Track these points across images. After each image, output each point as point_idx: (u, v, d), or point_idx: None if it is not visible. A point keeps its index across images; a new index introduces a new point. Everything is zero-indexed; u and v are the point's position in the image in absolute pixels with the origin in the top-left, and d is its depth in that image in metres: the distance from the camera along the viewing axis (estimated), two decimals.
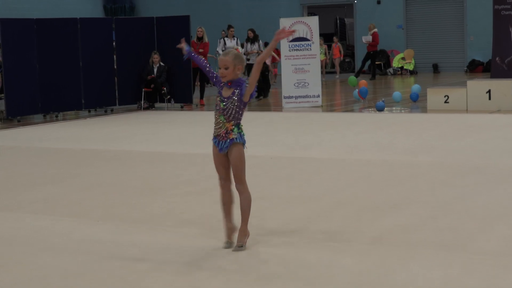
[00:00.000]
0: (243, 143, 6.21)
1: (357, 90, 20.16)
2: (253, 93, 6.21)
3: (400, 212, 7.38)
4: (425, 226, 6.82)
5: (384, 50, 32.02)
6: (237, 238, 6.22)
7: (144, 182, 9.53)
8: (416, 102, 19.02)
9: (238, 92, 6.12)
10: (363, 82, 21.18)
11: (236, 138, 6.16)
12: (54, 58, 18.70)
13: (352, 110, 18.46)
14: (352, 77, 23.11)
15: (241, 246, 6.15)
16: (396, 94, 19.37)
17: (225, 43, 24.25)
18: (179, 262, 5.93)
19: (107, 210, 7.93)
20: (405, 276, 5.39)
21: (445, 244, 6.20)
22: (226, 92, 6.17)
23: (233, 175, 6.23)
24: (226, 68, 6.14)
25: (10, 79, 17.89)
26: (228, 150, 6.16)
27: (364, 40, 29.69)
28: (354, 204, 7.80)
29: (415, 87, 20.00)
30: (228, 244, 6.23)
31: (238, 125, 6.18)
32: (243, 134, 6.22)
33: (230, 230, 6.29)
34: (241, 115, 6.19)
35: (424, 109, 17.52)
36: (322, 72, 30.61)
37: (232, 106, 6.13)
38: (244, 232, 6.21)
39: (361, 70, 30.14)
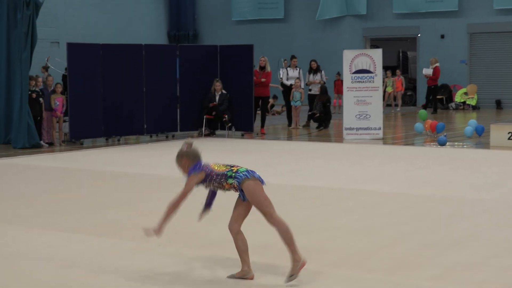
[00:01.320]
0: (247, 177, 6.22)
1: (422, 124, 20.02)
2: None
3: (463, 250, 7.31)
4: (488, 265, 6.75)
5: (446, 85, 31.77)
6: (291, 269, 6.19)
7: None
8: (474, 138, 18.80)
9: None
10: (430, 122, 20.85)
11: (237, 181, 6.22)
12: (118, 83, 18.98)
13: (413, 144, 18.34)
14: (422, 111, 22.90)
15: (292, 276, 6.12)
16: (468, 129, 19.17)
17: (287, 73, 24.35)
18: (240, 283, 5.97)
19: (169, 235, 7.99)
20: None
21: (509, 284, 6.12)
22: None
23: (260, 212, 6.26)
24: (180, 170, 6.52)
25: (75, 102, 18.19)
26: (245, 195, 6.24)
27: (424, 73, 29.51)
28: (415, 239, 7.75)
29: (471, 122, 19.84)
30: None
31: (227, 177, 6.27)
32: (240, 170, 6.25)
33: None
34: (218, 181, 6.33)
35: (486, 145, 17.33)
36: (391, 104, 30.62)
37: (214, 185, 6.37)
38: (296, 262, 6.17)
39: (427, 104, 29.84)
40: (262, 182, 6.26)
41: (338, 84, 28.24)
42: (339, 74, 24.58)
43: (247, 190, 6.18)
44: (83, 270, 6.62)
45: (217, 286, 6.08)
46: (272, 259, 6.93)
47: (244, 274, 6.22)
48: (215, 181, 6.29)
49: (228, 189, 6.31)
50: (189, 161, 6.34)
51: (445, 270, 6.56)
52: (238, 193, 6.26)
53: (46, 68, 24.13)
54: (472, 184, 11.51)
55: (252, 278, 6.21)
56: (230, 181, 6.22)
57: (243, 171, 6.22)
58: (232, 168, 6.25)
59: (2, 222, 8.85)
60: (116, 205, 9.96)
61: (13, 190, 11.39)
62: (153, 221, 8.76)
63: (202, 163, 6.34)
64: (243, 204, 6.28)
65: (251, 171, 6.27)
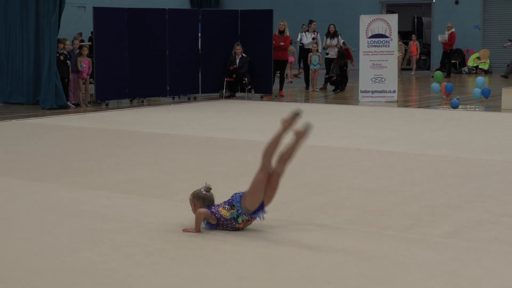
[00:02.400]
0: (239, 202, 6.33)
1: (439, 84, 19.92)
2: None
3: (475, 209, 7.30)
4: (499, 223, 6.74)
5: (460, 49, 31.54)
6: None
7: (227, 167, 9.63)
8: (486, 101, 18.69)
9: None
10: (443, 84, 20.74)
11: (244, 214, 6.32)
12: (142, 47, 18.98)
13: (427, 106, 18.26)
14: (438, 72, 22.71)
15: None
16: (477, 91, 19.05)
17: (301, 39, 24.31)
18: (260, 245, 5.99)
19: (190, 193, 8.03)
20: (480, 271, 5.34)
21: None
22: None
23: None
24: (191, 207, 6.52)
25: (100, 65, 18.22)
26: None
27: (440, 39, 29.31)
28: (429, 199, 7.75)
29: (479, 80, 19.76)
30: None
31: (236, 219, 6.33)
32: (236, 206, 6.33)
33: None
34: (231, 226, 6.35)
35: (498, 108, 17.23)
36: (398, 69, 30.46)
37: (229, 228, 6.37)
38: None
39: (441, 68, 29.64)
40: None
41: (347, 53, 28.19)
42: (345, 43, 24.44)
43: (250, 203, 6.28)
44: (109, 225, 6.67)
45: (239, 237, 6.11)
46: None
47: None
48: (228, 226, 6.35)
49: (245, 226, 6.38)
50: (202, 205, 6.41)
51: (458, 227, 6.56)
52: (256, 218, 6.34)
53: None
54: (484, 146, 11.46)
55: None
56: (240, 219, 6.32)
57: (237, 206, 6.31)
58: (233, 209, 6.30)
59: (32, 180, 8.92)
60: (141, 163, 10.00)
61: (42, 149, 11.46)
62: (177, 179, 8.85)
63: (213, 209, 6.37)
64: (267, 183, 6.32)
65: (237, 197, 6.37)
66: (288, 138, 6.41)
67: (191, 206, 6.50)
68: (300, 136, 6.29)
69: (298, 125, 6.28)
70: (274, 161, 6.36)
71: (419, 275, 5.26)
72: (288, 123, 6.30)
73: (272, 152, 6.30)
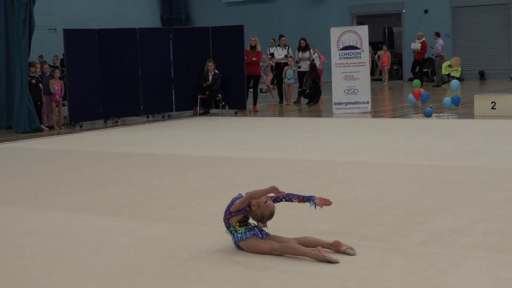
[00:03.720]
0: (242, 239, 6.21)
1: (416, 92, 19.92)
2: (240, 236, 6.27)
3: (449, 216, 7.32)
4: (474, 229, 6.76)
5: (431, 58, 31.70)
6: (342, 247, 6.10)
7: (201, 185, 9.60)
8: (457, 109, 18.76)
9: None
10: (418, 91, 20.72)
11: (233, 241, 6.29)
12: (114, 66, 18.94)
13: (400, 116, 18.34)
14: (416, 80, 22.75)
15: (347, 249, 6.08)
16: (447, 99, 19.14)
17: (272, 53, 24.43)
18: (237, 261, 5.97)
19: (167, 211, 8.01)
20: (455, 278, 5.35)
21: (494, 247, 6.14)
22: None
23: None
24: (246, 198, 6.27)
25: (73, 86, 18.15)
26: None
27: (412, 47, 29.47)
28: (404, 207, 7.76)
29: (454, 83, 19.91)
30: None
31: (228, 229, 6.30)
32: (239, 231, 6.23)
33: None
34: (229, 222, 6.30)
35: (471, 115, 17.34)
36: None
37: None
38: (331, 245, 6.09)
39: (415, 77, 29.76)
40: (261, 236, 6.20)
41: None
42: (314, 49, 24.83)
43: (244, 248, 6.21)
44: (84, 246, 6.62)
45: (216, 253, 6.09)
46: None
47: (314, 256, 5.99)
48: (226, 217, 6.30)
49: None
50: (256, 216, 6.24)
51: (433, 235, 6.57)
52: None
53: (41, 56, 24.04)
54: (458, 153, 11.52)
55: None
56: (228, 233, 6.31)
57: (241, 232, 6.21)
58: (236, 227, 6.23)
59: (5, 204, 8.84)
60: (115, 183, 9.95)
61: (16, 173, 11.37)
62: (151, 198, 8.81)
63: (240, 212, 6.22)
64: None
65: (248, 230, 6.23)
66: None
67: (254, 203, 6.18)
68: (337, 247, 6.07)
69: (346, 245, 6.09)
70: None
71: (397, 285, 5.26)
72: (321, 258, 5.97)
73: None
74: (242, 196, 6.23)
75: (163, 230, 7.12)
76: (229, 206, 6.27)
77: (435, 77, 31.46)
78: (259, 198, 6.17)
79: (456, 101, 19.05)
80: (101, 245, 6.66)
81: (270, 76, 26.50)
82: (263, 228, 6.24)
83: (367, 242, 6.39)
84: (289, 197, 6.34)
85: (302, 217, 7.37)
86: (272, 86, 26.56)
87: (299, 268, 5.70)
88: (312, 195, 6.44)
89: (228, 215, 6.25)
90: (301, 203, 6.38)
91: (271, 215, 6.21)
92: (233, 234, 6.25)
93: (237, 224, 6.24)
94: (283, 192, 6.20)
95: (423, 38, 29.02)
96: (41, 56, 26.27)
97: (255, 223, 6.26)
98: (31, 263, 6.14)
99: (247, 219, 6.30)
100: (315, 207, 6.37)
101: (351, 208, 7.83)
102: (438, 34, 29.58)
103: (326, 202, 6.35)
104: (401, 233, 6.69)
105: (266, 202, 6.18)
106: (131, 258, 6.16)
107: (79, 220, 7.74)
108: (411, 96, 20.03)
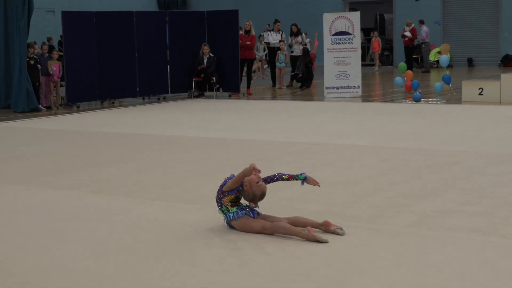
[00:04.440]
0: (234, 219, 6.18)
1: (402, 80, 19.80)
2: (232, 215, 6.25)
3: (437, 198, 7.33)
4: (461, 211, 6.77)
5: (420, 44, 31.68)
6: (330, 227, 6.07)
7: (195, 165, 9.59)
8: (446, 94, 18.71)
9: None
10: (410, 73, 20.59)
11: (225, 220, 6.28)
12: (111, 49, 18.87)
13: (390, 101, 18.33)
14: (402, 63, 22.68)
15: (336, 229, 6.04)
16: (438, 84, 19.07)
17: (267, 38, 24.38)
18: (229, 239, 5.96)
19: (161, 191, 8.00)
20: (441, 259, 5.36)
21: (480, 229, 6.15)
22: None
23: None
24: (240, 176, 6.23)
25: (70, 68, 18.09)
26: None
27: (406, 34, 29.28)
28: (393, 190, 7.77)
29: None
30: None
31: (221, 209, 6.27)
32: (231, 210, 6.21)
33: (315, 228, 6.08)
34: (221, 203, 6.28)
35: (459, 101, 17.35)
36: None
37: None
38: (321, 225, 6.07)
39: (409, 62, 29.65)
40: (252, 215, 6.19)
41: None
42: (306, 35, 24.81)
43: (236, 227, 6.20)
44: (80, 224, 6.61)
45: (208, 232, 6.08)
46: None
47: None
48: (218, 198, 6.28)
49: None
50: (248, 198, 6.21)
51: (421, 217, 6.57)
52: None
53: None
54: (446, 137, 11.52)
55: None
56: (220, 213, 6.29)
57: (233, 212, 6.19)
58: (227, 207, 6.21)
59: (2, 182, 8.82)
60: (111, 163, 9.93)
61: (14, 152, 11.33)
62: (146, 177, 8.79)
63: (232, 192, 6.20)
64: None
65: (240, 209, 6.20)
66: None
67: (246, 183, 6.15)
68: (327, 227, 6.07)
69: (335, 226, 6.08)
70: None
71: (384, 264, 5.27)
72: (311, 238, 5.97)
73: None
74: (234, 176, 6.22)
75: (157, 209, 7.11)
76: (221, 186, 6.26)
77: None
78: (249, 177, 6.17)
79: (447, 80, 19.02)
80: (96, 223, 6.64)
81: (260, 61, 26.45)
82: (255, 209, 6.25)
83: (356, 223, 6.39)
84: (280, 176, 6.34)
85: (293, 198, 7.36)
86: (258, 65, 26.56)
87: (290, 248, 5.70)
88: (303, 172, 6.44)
89: (221, 194, 6.24)
90: (291, 178, 6.35)
91: (262, 196, 6.20)
92: (225, 214, 6.24)
93: (229, 204, 6.23)
94: (259, 171, 6.17)
95: (413, 25, 28.97)
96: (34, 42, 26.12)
97: (247, 203, 6.27)
98: (27, 240, 6.12)
99: (238, 199, 6.29)
100: (303, 183, 6.34)
101: (342, 189, 7.83)
102: (422, 22, 29.52)
103: (316, 182, 6.35)
104: (389, 215, 6.69)
105: (258, 182, 6.17)
106: (126, 237, 6.15)
107: (75, 199, 7.72)
108: (398, 79, 19.86)
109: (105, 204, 7.45)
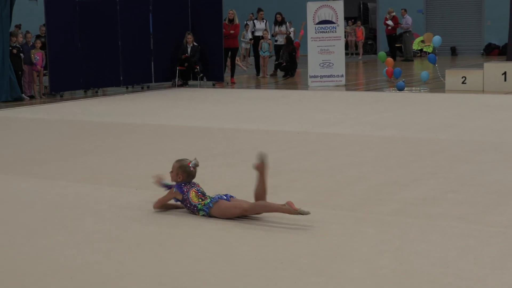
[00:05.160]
0: (210, 206, 6.24)
1: (385, 70, 19.82)
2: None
3: (420, 186, 7.36)
4: (444, 199, 6.81)
5: (403, 33, 31.74)
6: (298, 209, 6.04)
7: (180, 154, 9.56)
8: (429, 83, 18.71)
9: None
10: (391, 60, 20.62)
11: (205, 213, 6.29)
12: (95, 38, 18.79)
13: (374, 90, 18.37)
14: (382, 53, 22.71)
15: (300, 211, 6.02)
16: (424, 73, 19.06)
17: (254, 25, 24.27)
18: (214, 228, 5.97)
19: (145, 179, 7.98)
20: (425, 246, 5.39)
21: (463, 217, 6.19)
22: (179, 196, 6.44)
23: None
24: (171, 172, 6.48)
25: (54, 57, 18.00)
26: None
27: (388, 23, 29.32)
28: (377, 178, 7.80)
29: (431, 57, 19.97)
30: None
31: (198, 209, 6.31)
32: (206, 202, 6.27)
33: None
34: (192, 210, 6.36)
35: (442, 90, 17.40)
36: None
37: (189, 210, 6.41)
38: (286, 209, 6.00)
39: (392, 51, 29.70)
40: (227, 199, 6.26)
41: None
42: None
43: (216, 215, 6.22)
44: (65, 213, 6.59)
45: (193, 220, 6.09)
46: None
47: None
48: (189, 208, 6.36)
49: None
50: (183, 177, 6.40)
51: (404, 205, 6.61)
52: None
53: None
54: (429, 125, 11.57)
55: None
56: (201, 213, 6.30)
57: (208, 202, 6.26)
58: (202, 201, 6.28)
59: None
60: (95, 152, 9.91)
61: None
62: (131, 166, 8.78)
63: (187, 187, 6.36)
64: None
65: (216, 197, 6.27)
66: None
67: (173, 173, 6.41)
68: (261, 168, 6.23)
69: (254, 160, 6.22)
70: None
71: (368, 251, 5.29)
72: (261, 168, 6.20)
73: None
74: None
75: (141, 197, 7.11)
76: (183, 201, 6.41)
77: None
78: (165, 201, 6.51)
79: (432, 60, 19.11)
80: (81, 212, 6.64)
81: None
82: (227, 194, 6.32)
83: (340, 211, 6.42)
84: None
85: (277, 186, 7.37)
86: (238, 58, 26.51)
87: (274, 235, 5.72)
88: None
89: (186, 201, 6.35)
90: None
91: (185, 167, 6.40)
92: (203, 209, 6.27)
93: (199, 200, 6.31)
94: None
95: (394, 13, 29.05)
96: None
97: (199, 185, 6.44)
98: (12, 229, 6.11)
99: (199, 191, 6.37)
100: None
101: (325, 178, 7.86)
102: (405, 10, 29.55)
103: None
104: (373, 203, 6.72)
105: (171, 171, 6.46)
106: (110, 225, 6.15)
107: (60, 187, 7.71)
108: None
109: (89, 192, 7.44)
